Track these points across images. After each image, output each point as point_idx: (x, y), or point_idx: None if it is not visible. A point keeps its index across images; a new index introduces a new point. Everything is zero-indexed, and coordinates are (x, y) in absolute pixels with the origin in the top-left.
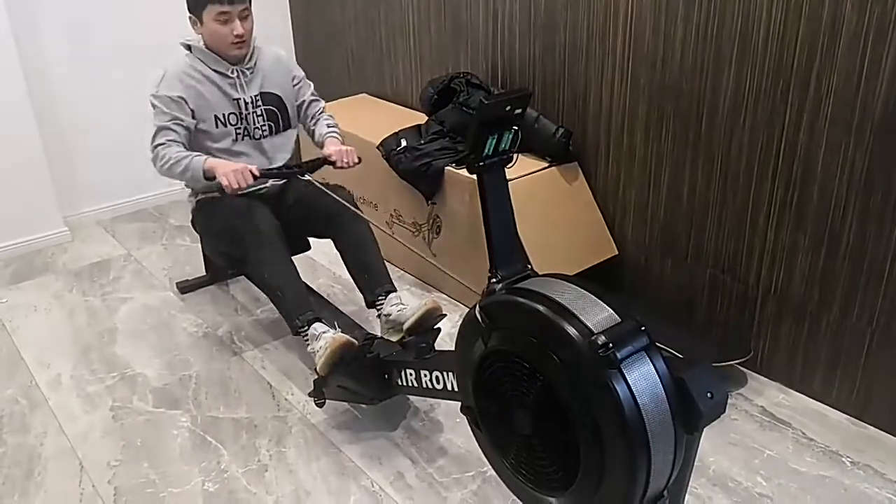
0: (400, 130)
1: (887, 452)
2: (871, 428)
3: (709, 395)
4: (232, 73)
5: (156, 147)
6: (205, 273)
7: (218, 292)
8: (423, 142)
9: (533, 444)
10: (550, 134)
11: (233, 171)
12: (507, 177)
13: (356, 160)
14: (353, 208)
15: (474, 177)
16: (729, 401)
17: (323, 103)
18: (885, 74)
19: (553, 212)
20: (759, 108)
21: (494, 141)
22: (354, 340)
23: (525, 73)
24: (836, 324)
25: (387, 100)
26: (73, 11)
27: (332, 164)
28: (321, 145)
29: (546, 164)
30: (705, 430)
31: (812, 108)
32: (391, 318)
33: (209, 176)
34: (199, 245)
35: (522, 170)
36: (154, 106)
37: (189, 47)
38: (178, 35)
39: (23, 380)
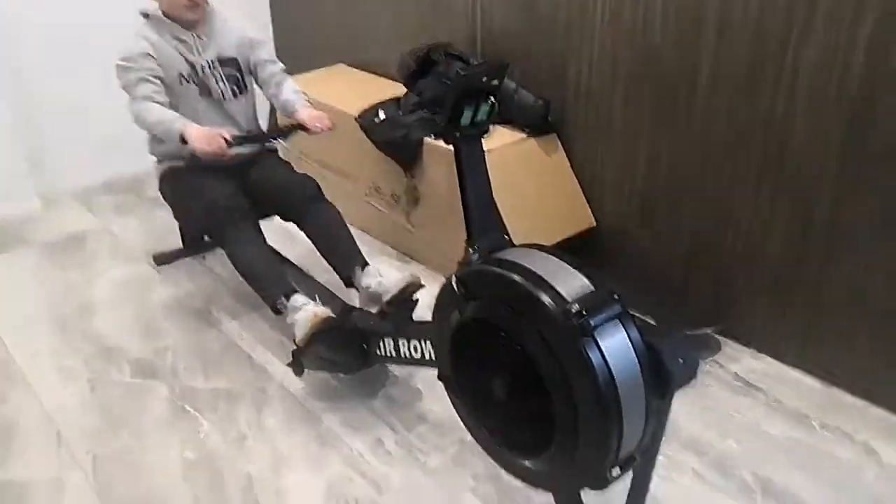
0: (378, 103)
1: (856, 416)
2: (842, 392)
3: (680, 360)
4: (190, 39)
5: (139, 101)
6: (182, 245)
7: (195, 264)
8: (401, 113)
9: (509, 409)
10: (529, 105)
11: (205, 136)
12: (486, 148)
13: (329, 125)
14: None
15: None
16: (703, 367)
17: (281, 65)
18: (863, 46)
19: (531, 183)
20: (738, 78)
21: (471, 112)
22: (333, 314)
23: (505, 44)
24: (809, 291)
25: (364, 70)
26: None
27: (306, 129)
28: (291, 112)
29: (524, 135)
30: (680, 395)
31: (789, 78)
32: (370, 290)
33: (184, 140)
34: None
35: (501, 141)
36: (125, 68)
37: (146, 15)
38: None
39: None
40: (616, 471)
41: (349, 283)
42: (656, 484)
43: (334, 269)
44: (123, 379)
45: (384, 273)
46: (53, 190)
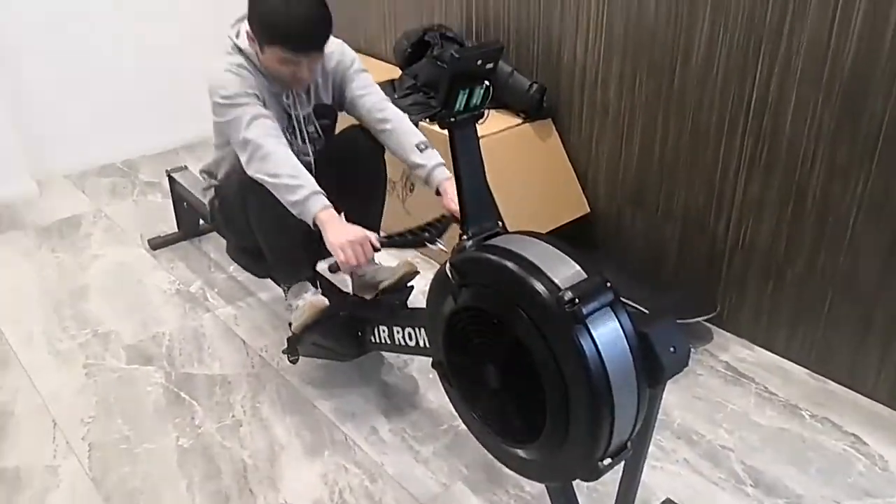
0: None
1: (845, 406)
2: (831, 383)
3: (672, 349)
4: (287, 97)
5: (259, 137)
6: (177, 229)
7: (190, 248)
8: (396, 96)
9: (501, 397)
10: (524, 90)
11: (349, 243)
12: (481, 133)
13: None
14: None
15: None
16: (694, 356)
17: (381, 95)
18: (855, 32)
19: (526, 169)
20: (730, 62)
21: (465, 96)
22: (329, 304)
23: (500, 27)
24: (799, 280)
25: (359, 52)
26: None
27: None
28: (433, 186)
29: (520, 121)
30: (671, 384)
31: (782, 63)
32: (365, 278)
33: (316, 230)
34: (171, 201)
35: (496, 126)
36: (229, 106)
37: (241, 51)
38: None
39: None
40: (607, 461)
41: None
42: (648, 473)
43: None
44: (118, 364)
45: (380, 260)
46: (48, 173)
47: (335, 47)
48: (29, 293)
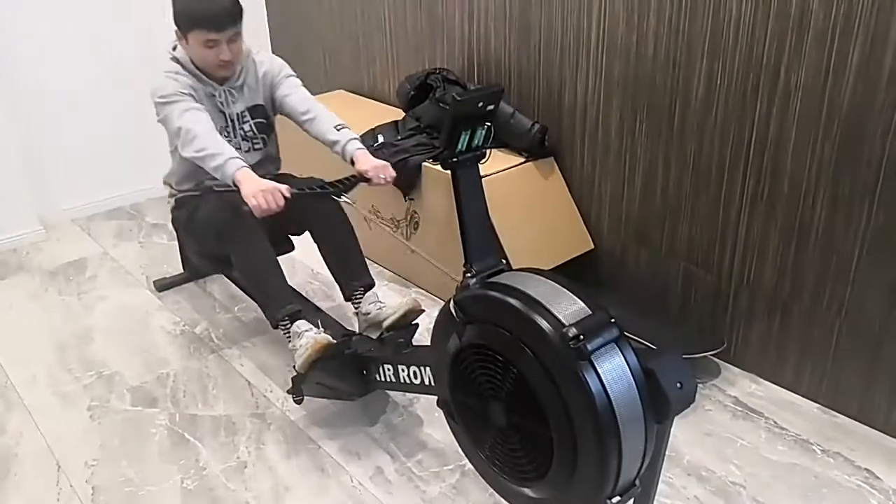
0: (377, 126)
1: (857, 440)
2: (841, 416)
3: (678, 384)
4: (220, 94)
5: (189, 122)
6: (182, 271)
7: (195, 290)
8: (400, 138)
9: (507, 435)
10: (526, 129)
11: (262, 192)
12: (484, 172)
13: (393, 175)
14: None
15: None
16: (702, 392)
17: (306, 92)
18: (852, 69)
19: (529, 207)
20: (729, 101)
21: (467, 137)
22: (334, 341)
23: (501, 69)
24: (806, 314)
25: (363, 96)
26: (48, 6)
27: (368, 181)
28: (345, 157)
29: (522, 160)
30: (680, 420)
31: (781, 101)
32: (370, 317)
33: (235, 187)
34: (177, 243)
35: (499, 165)
36: (167, 103)
37: (177, 60)
38: (150, 27)
39: None
40: (616, 498)
41: (349, 298)
42: None
43: (338, 281)
44: (123, 406)
45: (384, 298)
46: (54, 216)
47: (265, 58)
48: (35, 335)
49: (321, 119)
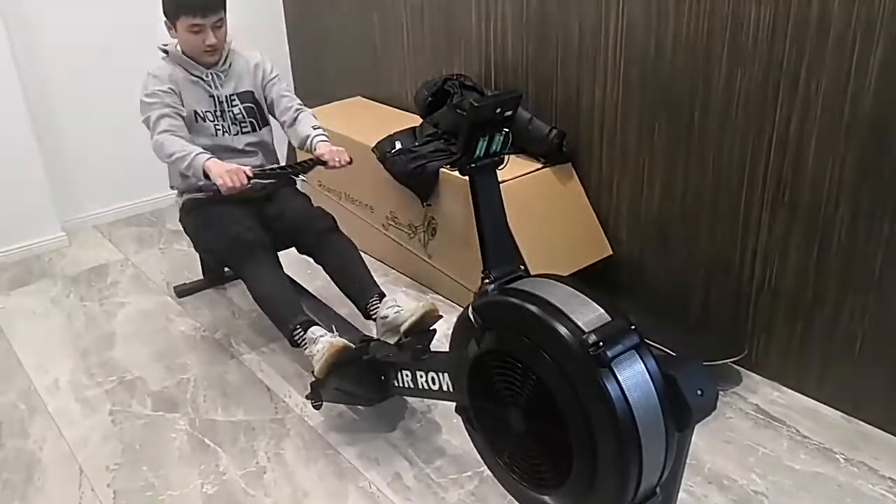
0: (394, 133)
1: (881, 449)
2: (865, 425)
3: (699, 392)
4: (207, 76)
5: (160, 134)
6: (202, 277)
7: (215, 296)
8: (417, 144)
9: (526, 442)
10: (544, 135)
11: (227, 172)
12: (502, 178)
13: (347, 160)
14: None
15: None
16: (723, 399)
17: (298, 100)
18: (874, 71)
19: (547, 212)
20: (749, 106)
21: (485, 143)
22: (351, 344)
23: (518, 75)
24: (828, 320)
25: (381, 102)
26: (69, 14)
27: (324, 164)
28: (310, 148)
29: (540, 165)
30: (700, 428)
31: (802, 105)
32: (388, 320)
33: (207, 175)
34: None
35: (517, 171)
36: (148, 104)
37: (166, 51)
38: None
39: (22, 385)
40: None
41: (367, 314)
42: None
43: (352, 300)
44: (144, 411)
45: (401, 303)
46: (76, 223)
47: (254, 53)
48: (57, 341)
49: (305, 121)
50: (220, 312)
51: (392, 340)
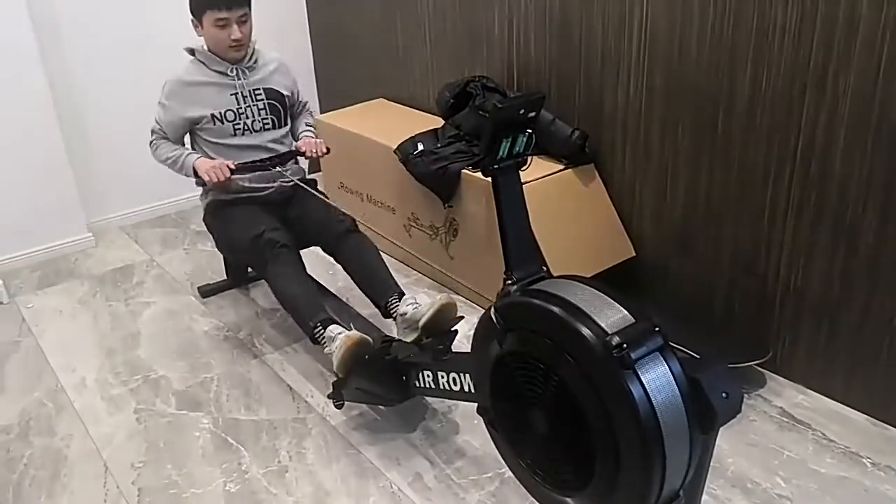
0: (417, 134)
1: None
2: (892, 429)
3: (724, 394)
4: (231, 71)
5: (151, 143)
6: (226, 277)
7: (239, 296)
8: (439, 145)
9: (548, 444)
10: (566, 136)
11: (211, 168)
12: (524, 179)
13: (324, 150)
14: (352, 219)
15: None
16: (748, 402)
17: (305, 100)
18: None
19: (570, 214)
20: (775, 107)
21: (508, 144)
22: (368, 337)
23: (541, 76)
24: (855, 323)
25: (404, 104)
26: (97, 16)
27: (302, 154)
28: (297, 139)
29: (562, 167)
30: (724, 430)
31: (829, 107)
32: (407, 316)
33: (196, 173)
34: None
35: (539, 172)
36: (163, 106)
37: (192, 51)
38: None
39: (49, 383)
40: None
41: (387, 313)
42: None
43: (371, 300)
44: (168, 410)
45: (421, 301)
46: (102, 224)
47: (279, 56)
48: (84, 340)
49: (300, 119)
50: (244, 312)
51: (412, 337)
